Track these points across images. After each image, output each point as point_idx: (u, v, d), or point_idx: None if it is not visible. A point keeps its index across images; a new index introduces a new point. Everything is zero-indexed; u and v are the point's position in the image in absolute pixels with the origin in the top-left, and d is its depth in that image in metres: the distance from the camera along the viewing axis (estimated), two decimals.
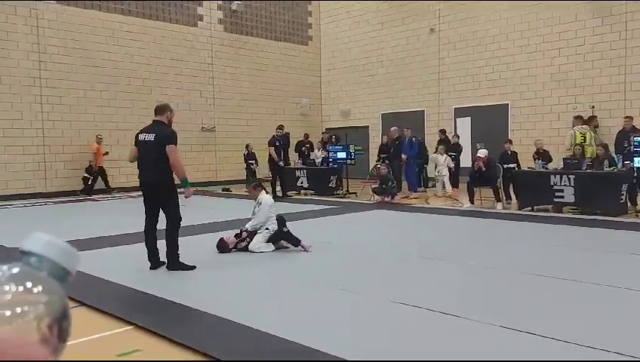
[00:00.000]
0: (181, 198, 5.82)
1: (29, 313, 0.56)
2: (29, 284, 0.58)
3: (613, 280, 4.96)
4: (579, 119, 12.15)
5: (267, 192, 7.34)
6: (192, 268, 5.70)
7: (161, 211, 5.78)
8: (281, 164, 13.42)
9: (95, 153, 14.63)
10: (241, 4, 18.40)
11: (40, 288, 0.58)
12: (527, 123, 15.48)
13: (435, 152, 13.71)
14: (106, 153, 14.88)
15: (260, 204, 6.83)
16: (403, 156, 13.65)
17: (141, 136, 5.76)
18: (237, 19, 18.59)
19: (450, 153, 13.60)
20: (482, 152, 10.89)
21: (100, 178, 14.90)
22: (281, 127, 13.96)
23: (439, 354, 3.28)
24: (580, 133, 11.29)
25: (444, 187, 13.36)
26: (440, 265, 5.84)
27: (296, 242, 6.67)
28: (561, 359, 3.21)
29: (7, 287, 0.57)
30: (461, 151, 14.28)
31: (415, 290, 4.79)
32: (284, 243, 6.76)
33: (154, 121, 5.87)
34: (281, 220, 6.79)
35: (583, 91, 14.56)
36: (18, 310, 0.56)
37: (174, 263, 5.67)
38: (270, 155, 13.31)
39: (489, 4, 16.14)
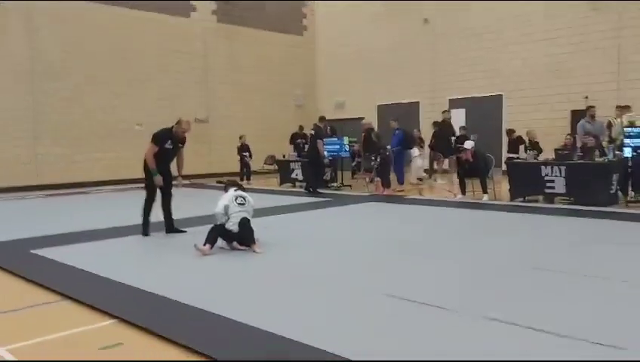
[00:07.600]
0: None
1: None
2: None
3: (610, 271, 4.97)
4: (624, 108, 10.91)
5: (237, 189, 6.68)
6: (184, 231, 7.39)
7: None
8: (326, 161, 13.05)
9: None
10: None
11: None
12: (522, 114, 15.47)
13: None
14: None
15: None
16: (387, 147, 13.46)
17: None
18: (230, 9, 18.49)
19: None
20: (468, 144, 10.90)
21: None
22: (323, 119, 13.62)
23: (439, 351, 3.24)
24: (629, 121, 10.04)
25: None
26: (435, 258, 5.81)
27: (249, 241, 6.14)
28: (562, 357, 3.17)
29: None
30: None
31: (411, 284, 4.75)
32: (236, 244, 6.23)
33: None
34: (242, 222, 6.16)
35: (577, 81, 14.54)
36: None
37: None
38: (317, 148, 12.57)
39: None
